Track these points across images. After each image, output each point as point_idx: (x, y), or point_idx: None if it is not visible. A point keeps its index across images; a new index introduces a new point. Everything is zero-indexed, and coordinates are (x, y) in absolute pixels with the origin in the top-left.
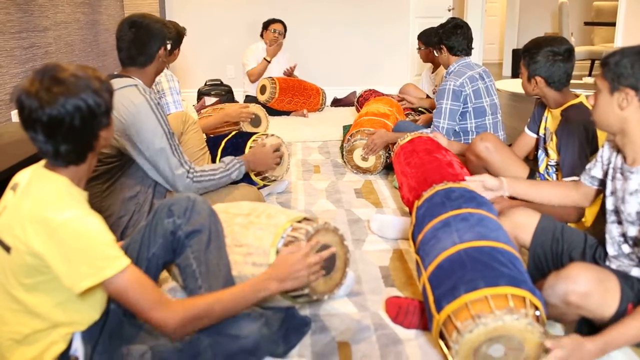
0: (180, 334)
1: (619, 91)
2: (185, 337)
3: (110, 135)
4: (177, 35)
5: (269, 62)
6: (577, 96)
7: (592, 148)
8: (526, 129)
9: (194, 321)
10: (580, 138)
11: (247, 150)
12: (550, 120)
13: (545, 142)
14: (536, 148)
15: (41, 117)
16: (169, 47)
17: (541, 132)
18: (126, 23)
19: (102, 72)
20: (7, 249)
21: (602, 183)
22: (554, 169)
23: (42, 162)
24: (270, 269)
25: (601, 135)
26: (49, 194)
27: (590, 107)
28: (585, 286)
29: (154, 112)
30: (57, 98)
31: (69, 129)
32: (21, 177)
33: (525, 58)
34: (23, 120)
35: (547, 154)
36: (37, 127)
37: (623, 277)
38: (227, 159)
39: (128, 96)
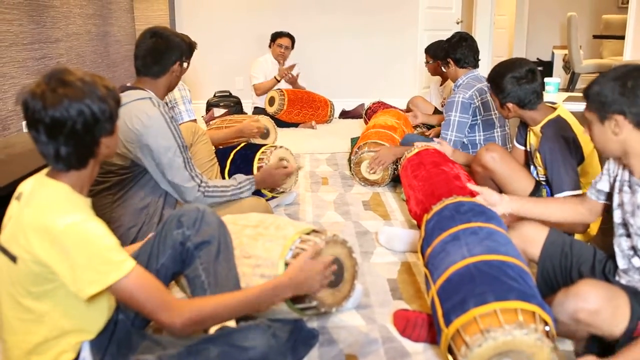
0: (187, 334)
1: (608, 119)
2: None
3: (113, 143)
4: (188, 48)
5: (279, 81)
6: (554, 109)
7: (578, 158)
8: (515, 143)
9: (200, 323)
10: (564, 152)
11: (255, 161)
12: (533, 137)
13: (532, 158)
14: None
15: (44, 118)
16: (185, 65)
17: (528, 147)
18: (148, 32)
19: (111, 81)
20: (13, 258)
21: (609, 197)
22: (545, 182)
23: (45, 170)
24: (287, 275)
25: (585, 145)
26: (50, 201)
27: (568, 119)
28: (594, 304)
29: (168, 124)
30: (62, 100)
31: (71, 132)
32: (25, 187)
33: (492, 88)
34: (27, 120)
35: (536, 168)
36: (39, 127)
37: (633, 293)
38: (240, 177)
39: (142, 108)
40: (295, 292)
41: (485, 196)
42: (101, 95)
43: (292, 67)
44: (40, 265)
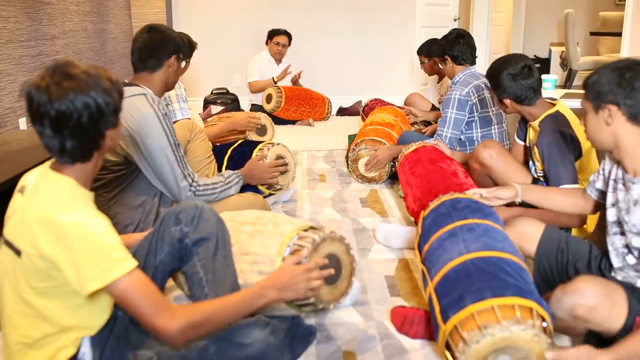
0: (181, 341)
1: (602, 109)
2: (187, 344)
3: (117, 136)
4: (188, 46)
5: (276, 82)
6: (553, 105)
7: (575, 153)
8: (516, 138)
9: (195, 328)
10: (561, 146)
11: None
12: (532, 132)
13: (531, 153)
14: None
15: (49, 112)
16: (182, 64)
17: (527, 142)
18: (145, 27)
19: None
20: (18, 252)
21: (605, 195)
22: (543, 178)
23: (49, 162)
24: (271, 276)
25: (583, 141)
26: (55, 196)
27: (567, 115)
28: (592, 300)
29: (161, 122)
30: (67, 93)
31: (76, 125)
32: (28, 179)
33: (490, 85)
34: (31, 114)
35: (535, 163)
36: (44, 121)
37: (630, 289)
38: (227, 173)
39: (136, 104)
40: (281, 295)
41: (500, 195)
42: (106, 87)
43: (299, 74)
44: (44, 260)
